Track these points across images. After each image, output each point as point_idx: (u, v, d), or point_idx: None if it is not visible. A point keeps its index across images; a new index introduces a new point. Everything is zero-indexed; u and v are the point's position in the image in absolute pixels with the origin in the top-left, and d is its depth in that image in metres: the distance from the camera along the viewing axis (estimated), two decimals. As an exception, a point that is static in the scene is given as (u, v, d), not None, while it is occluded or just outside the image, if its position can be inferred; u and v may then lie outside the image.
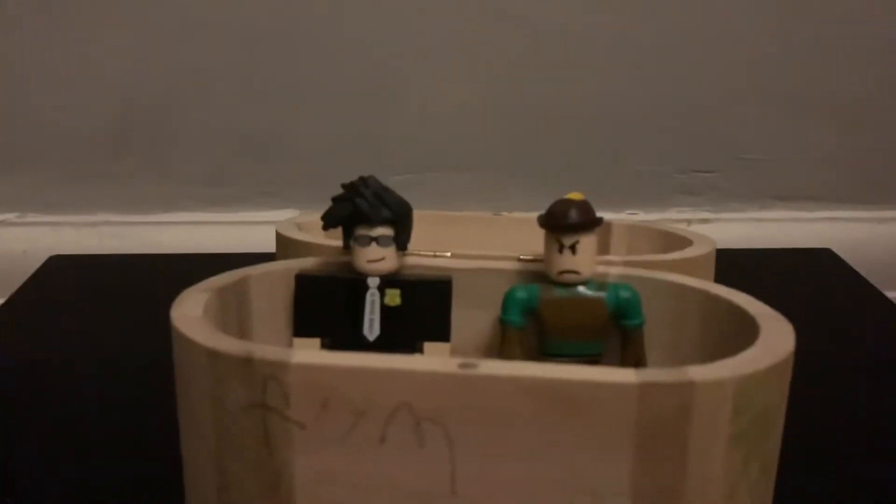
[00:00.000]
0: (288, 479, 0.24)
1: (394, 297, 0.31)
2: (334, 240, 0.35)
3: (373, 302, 0.32)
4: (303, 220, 0.41)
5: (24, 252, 0.54)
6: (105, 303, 0.46)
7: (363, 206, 0.31)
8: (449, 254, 0.34)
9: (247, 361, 0.24)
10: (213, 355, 0.25)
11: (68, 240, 0.55)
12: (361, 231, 0.31)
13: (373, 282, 0.31)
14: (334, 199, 0.31)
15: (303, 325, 0.32)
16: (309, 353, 0.24)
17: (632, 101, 0.58)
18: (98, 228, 0.56)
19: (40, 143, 0.55)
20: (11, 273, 0.55)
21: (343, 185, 0.31)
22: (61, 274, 0.50)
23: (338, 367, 0.24)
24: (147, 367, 0.40)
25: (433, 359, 0.25)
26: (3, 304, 0.46)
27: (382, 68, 0.55)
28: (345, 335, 0.31)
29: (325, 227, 0.31)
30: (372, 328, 0.32)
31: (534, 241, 0.35)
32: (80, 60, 0.54)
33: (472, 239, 0.42)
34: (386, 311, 0.32)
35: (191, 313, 0.27)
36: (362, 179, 0.31)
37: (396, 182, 0.32)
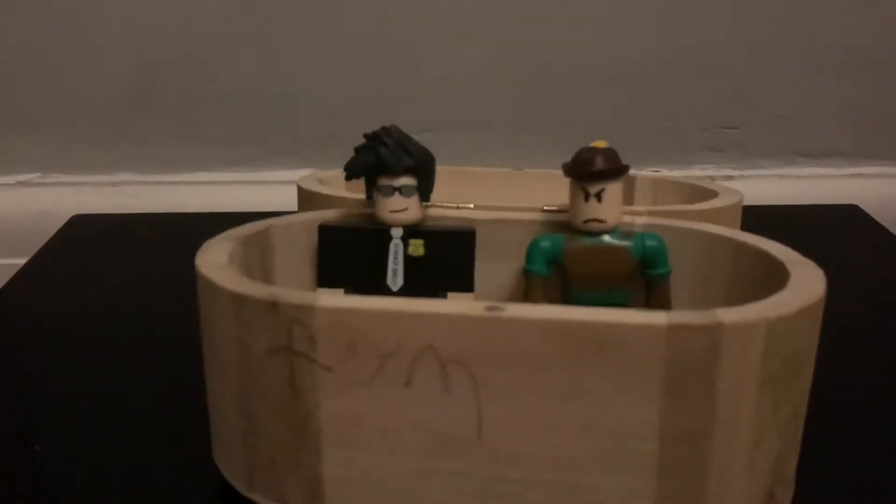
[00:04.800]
0: (314, 422, 0.25)
1: (417, 247, 0.31)
2: (356, 193, 0.35)
3: (396, 252, 0.31)
4: (324, 175, 0.41)
5: (46, 212, 0.55)
6: (128, 261, 0.47)
7: (386, 156, 0.30)
8: (472, 205, 0.34)
9: (272, 305, 0.24)
10: (239, 300, 0.25)
11: (90, 200, 0.55)
12: (384, 181, 0.31)
13: (396, 232, 0.31)
14: (356, 150, 0.31)
15: (326, 276, 0.32)
16: (335, 296, 0.24)
17: (652, 57, 0.57)
18: (119, 188, 0.56)
19: (61, 103, 0.55)
20: (34, 233, 0.55)
21: (365, 135, 0.31)
22: (84, 233, 0.50)
23: (364, 310, 0.24)
24: (172, 320, 0.40)
25: (459, 302, 0.25)
26: (27, 264, 0.46)
27: (399, 26, 0.55)
28: (368, 286, 0.31)
29: (348, 178, 0.31)
30: (396, 278, 0.32)
31: (555, 197, 0.35)
32: (100, 21, 0.53)
33: (493, 194, 0.42)
34: (409, 261, 0.31)
35: (215, 261, 0.27)
36: (384, 129, 0.31)
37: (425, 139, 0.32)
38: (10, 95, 0.55)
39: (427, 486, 0.25)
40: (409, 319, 0.23)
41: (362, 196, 0.33)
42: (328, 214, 0.33)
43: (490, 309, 0.23)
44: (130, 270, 0.45)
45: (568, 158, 0.30)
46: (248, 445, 0.26)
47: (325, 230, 0.32)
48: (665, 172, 0.59)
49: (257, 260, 0.31)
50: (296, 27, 0.54)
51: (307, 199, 0.38)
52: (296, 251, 0.32)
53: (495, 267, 0.33)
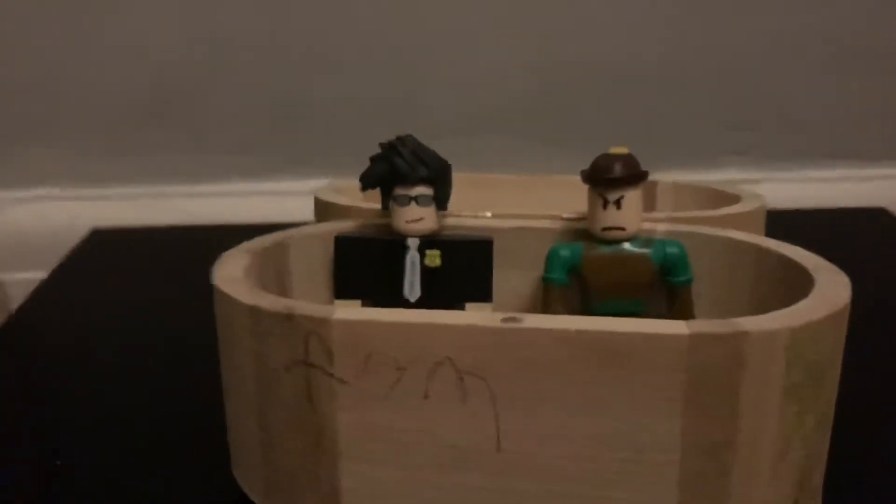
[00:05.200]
0: (331, 435, 0.24)
1: (434, 257, 0.31)
2: (373, 203, 0.35)
3: (413, 263, 0.31)
4: (341, 185, 0.41)
5: (65, 226, 0.55)
6: (147, 274, 0.47)
7: (401, 166, 0.30)
8: (489, 214, 0.33)
9: (288, 318, 0.24)
10: (255, 313, 0.24)
11: (108, 213, 0.55)
12: (400, 191, 0.30)
13: (412, 242, 0.31)
14: (372, 159, 0.31)
15: (343, 288, 0.32)
16: (350, 309, 0.24)
17: (673, 59, 0.56)
18: (136, 201, 0.56)
19: (78, 117, 0.56)
20: (54, 246, 0.56)
21: (380, 145, 0.31)
22: (102, 246, 0.50)
23: (380, 322, 0.23)
24: (191, 333, 0.40)
25: (476, 313, 0.25)
26: (48, 277, 0.47)
27: (412, 32, 0.55)
28: (385, 297, 0.31)
29: (364, 188, 0.31)
30: (413, 289, 0.31)
31: (573, 203, 0.34)
32: (114, 34, 0.54)
33: (511, 201, 0.41)
34: (426, 272, 0.31)
35: (231, 274, 0.27)
36: (399, 138, 0.31)
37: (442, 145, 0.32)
38: (28, 110, 0.56)
39: (445, 499, 0.24)
40: (425, 331, 0.23)
41: (378, 206, 0.32)
42: (344, 226, 0.33)
43: (507, 320, 0.23)
44: (149, 284, 0.46)
45: (587, 164, 0.30)
46: (266, 459, 0.26)
47: (341, 241, 0.32)
48: (688, 176, 0.58)
49: (273, 272, 0.31)
50: (308, 36, 0.54)
51: (324, 210, 0.38)
52: (312, 263, 0.32)
53: (513, 276, 0.32)
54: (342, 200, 0.37)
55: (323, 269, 0.32)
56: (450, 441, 0.24)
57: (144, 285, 0.46)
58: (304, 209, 0.49)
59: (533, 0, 0.54)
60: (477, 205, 0.34)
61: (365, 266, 0.32)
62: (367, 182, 0.31)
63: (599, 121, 0.56)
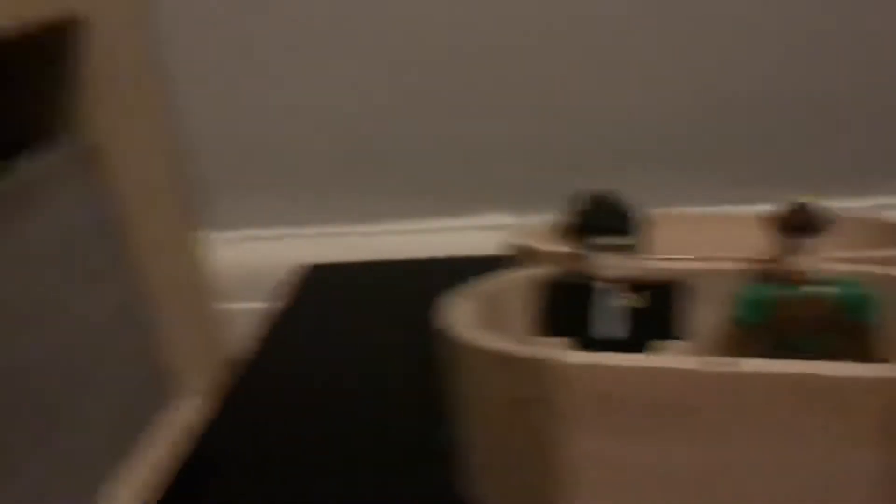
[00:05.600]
0: (564, 467, 0.28)
1: (632, 299, 0.35)
2: (563, 247, 0.38)
3: (612, 304, 0.35)
4: (527, 227, 0.45)
5: (274, 263, 0.62)
6: (362, 305, 0.52)
7: (597, 218, 0.34)
8: (682, 256, 0.37)
9: (529, 361, 0.28)
10: (498, 355, 0.29)
11: (313, 250, 0.62)
12: (598, 240, 0.34)
13: (603, 286, 0.35)
14: (571, 213, 0.35)
15: (548, 328, 0.36)
16: (584, 354, 0.28)
17: (833, 83, 0.57)
18: (340, 238, 0.63)
19: (281, 167, 0.63)
20: (263, 281, 0.63)
21: (577, 199, 0.35)
22: (316, 280, 0.57)
23: (611, 366, 0.27)
24: (415, 360, 0.45)
25: (696, 358, 0.28)
26: (278, 313, 0.53)
27: (582, 75, 0.58)
28: (587, 336, 0.35)
29: (563, 237, 0.35)
30: (612, 329, 0.35)
31: (752, 238, 0.37)
32: (314, 93, 0.61)
33: (693, 237, 0.44)
34: (625, 312, 0.35)
35: (463, 320, 0.32)
36: (594, 195, 0.35)
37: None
38: (239, 160, 0.64)
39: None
40: (649, 374, 0.27)
41: (564, 248, 0.37)
42: (547, 271, 0.37)
43: (724, 364, 0.26)
44: (366, 314, 0.51)
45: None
46: (502, 485, 0.30)
47: (547, 285, 0.36)
48: (860, 201, 0.59)
49: (486, 314, 0.35)
50: (485, 86, 0.59)
51: (520, 252, 0.42)
52: (519, 305, 0.36)
53: (706, 314, 0.35)
54: (535, 244, 0.41)
55: (528, 310, 0.36)
56: (672, 473, 0.27)
57: (362, 316, 0.51)
58: (489, 242, 0.54)
59: (700, 34, 0.57)
60: (664, 241, 0.37)
61: (568, 308, 0.35)
62: (567, 231, 0.35)
63: (764, 150, 0.58)
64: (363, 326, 0.49)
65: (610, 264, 0.34)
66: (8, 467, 0.44)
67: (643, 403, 0.27)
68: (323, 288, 0.55)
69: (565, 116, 0.60)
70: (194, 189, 0.63)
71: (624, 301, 0.34)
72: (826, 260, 0.33)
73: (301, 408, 0.43)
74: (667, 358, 0.27)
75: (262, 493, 0.36)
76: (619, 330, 0.35)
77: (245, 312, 0.64)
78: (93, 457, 0.52)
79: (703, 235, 0.44)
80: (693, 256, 0.36)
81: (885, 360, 0.27)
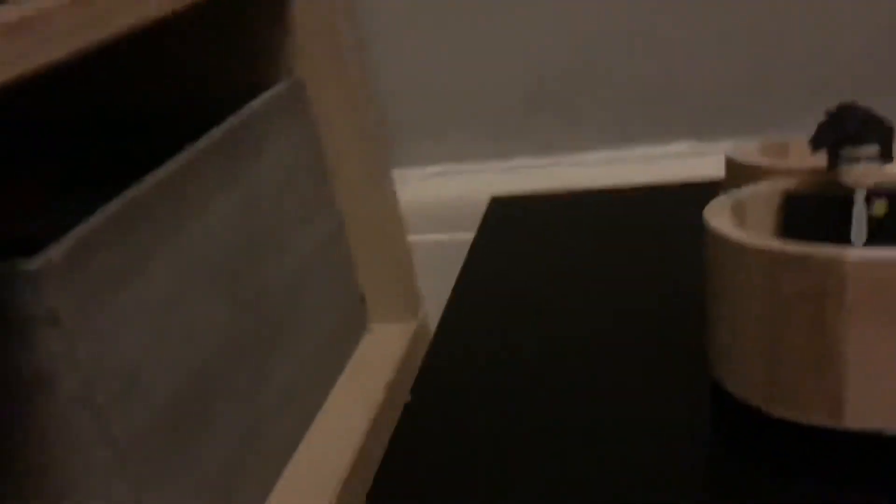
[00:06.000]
0: (838, 357, 0.30)
1: (880, 207, 0.35)
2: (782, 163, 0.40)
3: (860, 214, 0.36)
4: (745, 148, 0.46)
5: (460, 196, 0.66)
6: (555, 234, 0.55)
7: (852, 129, 0.35)
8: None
9: (807, 258, 0.30)
10: (771, 254, 0.31)
11: (495, 184, 0.65)
12: (849, 152, 0.35)
13: (859, 195, 0.36)
14: (821, 125, 0.36)
15: (792, 238, 0.37)
16: (861, 250, 0.29)
17: None
18: (519, 172, 0.65)
19: (467, 106, 0.66)
20: (451, 215, 0.66)
21: (828, 112, 0.36)
22: (506, 211, 0.59)
23: (889, 259, 0.28)
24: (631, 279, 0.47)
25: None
26: (475, 241, 0.56)
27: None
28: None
29: (815, 150, 0.36)
30: (859, 238, 0.36)
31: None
32: (502, 28, 0.63)
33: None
34: (872, 221, 0.36)
35: (727, 225, 0.33)
36: (845, 105, 0.36)
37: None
38: (425, 102, 0.66)
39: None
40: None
41: (785, 165, 0.38)
42: (789, 184, 0.38)
43: None
44: (560, 240, 0.53)
45: None
46: (770, 376, 0.32)
47: (791, 199, 0.37)
48: None
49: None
50: (669, 23, 0.60)
51: (737, 171, 0.43)
52: (763, 218, 0.38)
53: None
54: (760, 161, 0.42)
55: (771, 224, 0.38)
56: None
57: (560, 243, 0.53)
58: (672, 173, 0.55)
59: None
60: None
61: (812, 220, 0.37)
62: (818, 144, 0.36)
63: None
64: (558, 256, 0.52)
65: (860, 174, 0.35)
66: (239, 392, 0.49)
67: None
68: (512, 220, 0.58)
69: (749, 52, 0.60)
70: (388, 129, 0.67)
71: (872, 210, 0.35)
72: None
73: (517, 324, 0.45)
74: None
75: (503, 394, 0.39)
76: (865, 238, 0.36)
77: (435, 244, 0.68)
78: (307, 383, 0.57)
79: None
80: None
81: None
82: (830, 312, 0.30)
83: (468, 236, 0.58)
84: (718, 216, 0.35)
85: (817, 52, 0.59)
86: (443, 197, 0.67)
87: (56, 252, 0.35)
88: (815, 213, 0.37)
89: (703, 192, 0.58)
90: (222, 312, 0.46)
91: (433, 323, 0.71)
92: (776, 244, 0.31)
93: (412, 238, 0.68)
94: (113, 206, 0.39)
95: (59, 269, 0.35)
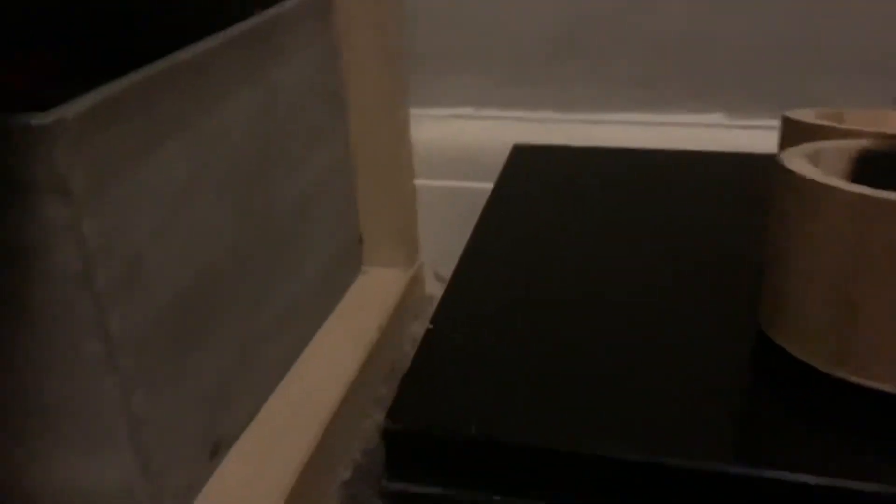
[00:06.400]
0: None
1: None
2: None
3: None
4: (802, 112, 0.44)
5: (479, 143, 0.62)
6: (573, 185, 0.52)
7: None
8: None
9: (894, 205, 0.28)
10: (856, 198, 0.28)
11: (516, 134, 0.62)
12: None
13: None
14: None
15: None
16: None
17: None
18: (542, 125, 0.62)
19: (495, 47, 0.62)
20: (464, 161, 0.63)
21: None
22: (529, 161, 0.56)
23: None
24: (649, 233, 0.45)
25: None
26: (496, 187, 0.53)
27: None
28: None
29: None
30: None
31: None
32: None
33: None
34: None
35: (810, 169, 0.31)
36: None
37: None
38: (450, 38, 0.63)
39: None
40: None
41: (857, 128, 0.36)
42: (866, 142, 0.36)
43: None
44: (586, 194, 0.51)
45: None
46: (842, 330, 0.30)
47: (868, 155, 0.35)
48: None
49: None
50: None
51: (800, 131, 0.41)
52: (836, 171, 0.36)
53: None
54: (823, 122, 0.40)
55: (844, 177, 0.36)
56: None
57: (578, 195, 0.51)
58: (693, 140, 0.53)
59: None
60: None
61: (887, 178, 0.35)
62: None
63: None
64: (582, 208, 0.49)
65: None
66: (240, 305, 0.46)
67: None
68: (535, 169, 0.55)
69: (788, 16, 0.58)
70: (410, 63, 0.63)
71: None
72: None
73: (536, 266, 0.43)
74: None
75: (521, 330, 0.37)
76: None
77: (443, 191, 0.64)
78: (302, 310, 0.54)
79: None
80: None
81: None
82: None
83: (478, 185, 0.55)
84: (796, 160, 0.32)
85: (863, 34, 0.57)
86: (457, 142, 0.63)
87: (70, 111, 0.31)
88: (890, 171, 0.35)
89: (733, 163, 0.56)
90: (231, 216, 0.43)
91: (429, 272, 0.68)
92: (868, 190, 0.29)
93: (419, 182, 0.64)
94: (133, 78, 0.35)
95: (71, 132, 0.31)
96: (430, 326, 0.37)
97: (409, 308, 0.65)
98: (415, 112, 0.64)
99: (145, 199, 0.36)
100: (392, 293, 0.63)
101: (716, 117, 0.60)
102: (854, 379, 0.30)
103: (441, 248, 0.60)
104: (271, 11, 0.48)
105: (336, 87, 0.57)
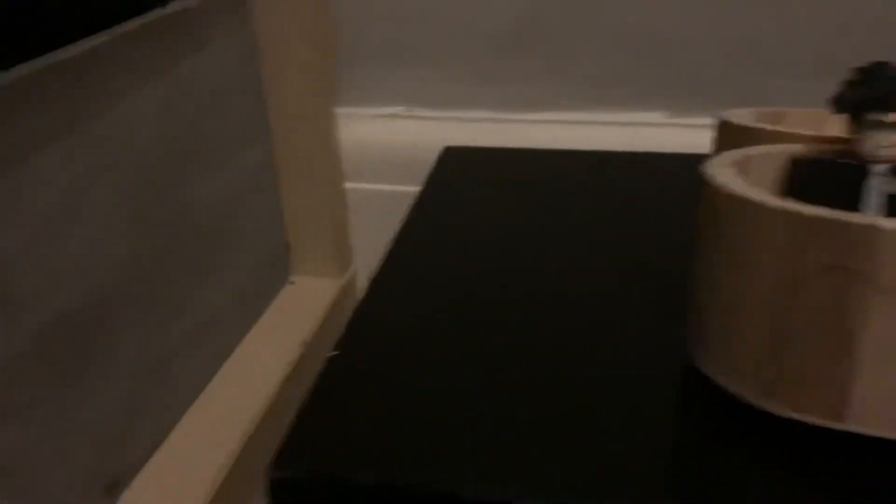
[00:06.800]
0: (857, 341, 0.25)
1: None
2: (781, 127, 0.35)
3: (877, 187, 0.31)
4: (738, 113, 0.41)
5: (412, 143, 0.59)
6: (505, 190, 0.49)
7: (882, 91, 0.30)
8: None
9: (836, 225, 0.25)
10: (791, 217, 0.26)
11: (450, 134, 0.58)
12: (876, 116, 0.31)
13: (879, 168, 0.31)
14: (849, 83, 0.31)
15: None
16: (903, 220, 0.25)
17: None
18: (477, 125, 0.59)
19: (433, 43, 0.58)
20: (396, 164, 0.60)
21: (859, 69, 0.31)
22: (459, 164, 0.53)
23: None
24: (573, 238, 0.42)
25: None
26: (422, 192, 0.50)
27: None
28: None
29: (838, 111, 0.31)
30: (874, 213, 0.32)
31: None
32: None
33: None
34: (891, 198, 0.31)
35: (735, 181, 0.28)
36: (880, 63, 0.31)
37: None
38: (385, 32, 0.59)
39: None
40: None
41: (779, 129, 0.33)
42: (798, 148, 0.34)
43: None
44: (516, 198, 0.48)
45: None
46: (772, 356, 0.27)
47: (801, 163, 0.32)
48: None
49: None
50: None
51: (732, 134, 0.38)
52: (765, 181, 0.33)
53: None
54: (757, 124, 0.38)
55: (776, 187, 0.33)
56: None
57: (508, 199, 0.48)
58: (637, 141, 0.50)
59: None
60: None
61: (823, 188, 0.32)
62: (843, 106, 0.31)
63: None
64: (509, 212, 0.46)
65: (882, 144, 0.31)
66: (145, 324, 0.42)
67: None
68: (464, 172, 0.52)
69: (744, 17, 0.55)
70: (339, 60, 0.59)
71: (891, 185, 0.31)
72: None
73: (459, 275, 0.40)
74: None
75: (437, 350, 0.33)
76: (881, 214, 0.31)
77: (375, 194, 0.61)
78: (218, 327, 0.50)
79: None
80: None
81: None
82: (853, 293, 0.25)
83: (412, 189, 0.52)
84: (724, 171, 0.30)
85: (812, 30, 0.55)
86: (390, 143, 0.60)
87: None
88: (828, 180, 0.32)
89: (672, 163, 0.53)
90: (131, 226, 0.39)
91: (363, 281, 0.64)
92: (802, 207, 0.26)
93: (352, 185, 0.61)
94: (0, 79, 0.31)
95: None
96: (333, 353, 0.33)
97: (341, 319, 0.62)
98: (344, 111, 0.60)
99: (16, 211, 0.32)
100: (321, 304, 0.60)
101: (656, 116, 0.57)
102: (785, 412, 0.27)
103: (378, 255, 0.56)
104: (178, 4, 0.44)
105: (257, 85, 0.54)
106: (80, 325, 0.36)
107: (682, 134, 0.56)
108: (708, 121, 0.58)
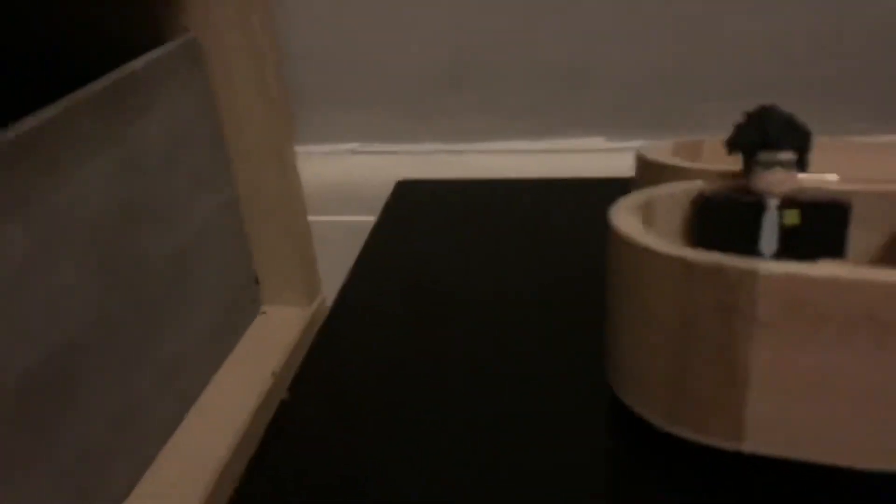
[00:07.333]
0: (744, 373, 0.28)
1: (792, 216, 0.34)
2: (695, 164, 0.38)
3: (772, 221, 0.34)
4: (658, 146, 0.44)
5: (366, 178, 0.62)
6: (459, 220, 0.52)
7: (773, 132, 0.33)
8: (836, 177, 0.36)
9: (719, 269, 0.28)
10: (684, 263, 0.29)
11: (404, 168, 0.61)
12: (766, 156, 0.34)
13: (772, 202, 0.34)
14: (740, 126, 0.34)
15: (702, 243, 0.35)
16: (777, 263, 0.28)
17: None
18: (429, 157, 0.62)
19: (379, 81, 0.62)
20: (355, 196, 0.62)
21: (748, 113, 0.34)
22: (412, 197, 0.56)
23: (804, 276, 0.27)
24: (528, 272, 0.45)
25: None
26: (377, 226, 0.53)
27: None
28: (741, 253, 0.34)
29: (730, 151, 0.34)
30: (769, 246, 0.35)
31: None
32: (415, 8, 0.59)
33: (861, 164, 0.43)
34: (784, 231, 0.34)
35: (637, 229, 0.31)
36: (766, 108, 0.34)
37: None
38: (334, 74, 0.62)
39: (845, 432, 0.28)
40: (849, 286, 0.26)
41: (693, 166, 0.37)
42: (702, 186, 0.37)
43: (929, 278, 0.26)
44: (466, 229, 0.51)
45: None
46: (675, 388, 0.30)
47: (703, 201, 0.35)
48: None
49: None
50: (590, 4, 0.57)
51: (650, 170, 0.41)
52: (672, 219, 0.36)
53: (863, 237, 0.35)
54: (671, 161, 0.41)
55: (681, 226, 0.36)
56: (862, 385, 0.27)
57: (462, 231, 0.51)
58: (576, 167, 0.53)
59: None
60: (829, 168, 0.37)
61: (724, 224, 0.35)
62: (734, 146, 0.34)
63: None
64: (461, 245, 0.49)
65: (775, 181, 0.34)
66: (110, 374, 0.45)
67: (835, 314, 0.27)
68: (417, 205, 0.55)
69: (670, 44, 0.58)
70: (292, 100, 0.63)
71: (784, 219, 0.34)
72: None
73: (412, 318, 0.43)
74: (863, 270, 0.27)
75: (388, 390, 0.36)
76: (776, 247, 0.34)
77: (337, 226, 0.64)
78: (188, 366, 0.53)
79: (860, 164, 0.43)
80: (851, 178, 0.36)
81: None
82: (739, 328, 0.28)
83: (372, 220, 0.55)
84: (626, 216, 0.33)
85: (738, 53, 0.58)
86: (347, 177, 0.63)
87: None
88: (727, 217, 0.35)
89: (613, 189, 0.56)
90: (92, 286, 0.42)
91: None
92: (687, 252, 0.29)
93: (314, 218, 0.64)
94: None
95: None
96: (285, 397, 0.36)
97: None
98: (301, 149, 0.63)
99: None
100: (291, 332, 0.62)
101: (597, 142, 0.61)
102: (689, 435, 0.30)
103: (339, 284, 0.59)
104: (128, 67, 0.46)
105: (214, 134, 0.56)
106: (42, 387, 0.38)
107: (623, 158, 0.59)
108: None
